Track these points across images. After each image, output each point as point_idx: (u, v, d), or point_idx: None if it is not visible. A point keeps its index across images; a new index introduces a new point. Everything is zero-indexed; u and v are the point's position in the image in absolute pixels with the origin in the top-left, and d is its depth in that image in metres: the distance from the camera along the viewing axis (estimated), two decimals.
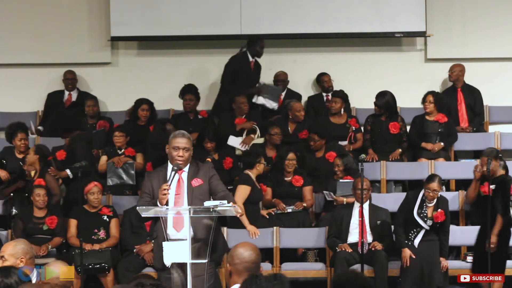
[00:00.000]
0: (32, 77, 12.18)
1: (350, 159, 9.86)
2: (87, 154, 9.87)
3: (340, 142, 10.72)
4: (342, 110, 11.04)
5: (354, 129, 10.90)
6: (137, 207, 6.68)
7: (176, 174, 6.81)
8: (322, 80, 11.91)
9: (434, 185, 8.91)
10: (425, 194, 9.00)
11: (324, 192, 9.76)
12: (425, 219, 8.93)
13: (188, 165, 6.91)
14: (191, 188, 6.81)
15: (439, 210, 8.96)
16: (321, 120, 11.01)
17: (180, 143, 6.81)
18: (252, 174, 9.58)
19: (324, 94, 11.90)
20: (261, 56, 11.37)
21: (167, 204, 6.72)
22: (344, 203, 9.45)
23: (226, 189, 7.03)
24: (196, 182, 6.83)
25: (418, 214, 8.97)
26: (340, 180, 9.66)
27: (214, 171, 7.03)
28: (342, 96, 11.08)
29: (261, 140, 10.75)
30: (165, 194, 6.63)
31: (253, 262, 4.67)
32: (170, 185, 6.67)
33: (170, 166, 6.87)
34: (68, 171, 9.82)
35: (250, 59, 11.31)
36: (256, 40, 11.33)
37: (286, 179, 9.89)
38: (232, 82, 11.24)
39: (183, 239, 6.58)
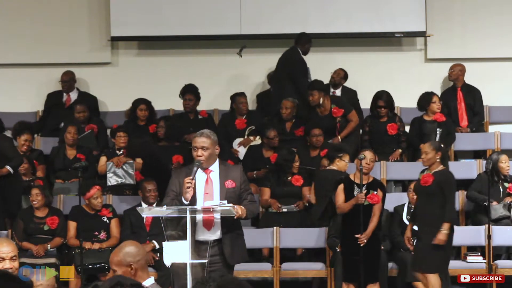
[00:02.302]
0: (32, 77, 12.17)
1: None
2: (14, 152, 9.75)
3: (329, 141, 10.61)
4: (322, 100, 10.66)
5: (339, 119, 10.73)
6: (138, 208, 6.64)
7: (204, 173, 6.72)
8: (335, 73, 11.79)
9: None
10: (408, 197, 9.16)
11: None
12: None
13: (217, 165, 6.78)
14: (224, 189, 6.71)
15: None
16: (312, 115, 10.81)
17: (197, 143, 6.70)
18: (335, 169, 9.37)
19: (332, 90, 11.79)
20: (306, 55, 11.30)
21: (194, 201, 6.63)
22: None
23: (253, 197, 6.90)
24: (230, 184, 6.72)
25: (408, 220, 9.04)
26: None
27: (245, 176, 6.96)
28: (318, 88, 10.72)
29: (258, 142, 10.75)
30: (188, 187, 6.54)
31: (145, 254, 5.21)
32: (193, 179, 6.58)
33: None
34: (8, 167, 9.62)
35: (301, 54, 11.27)
36: (306, 37, 11.26)
37: (286, 178, 9.89)
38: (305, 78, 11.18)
39: (211, 239, 6.61)
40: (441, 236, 8.19)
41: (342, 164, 9.40)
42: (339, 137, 10.63)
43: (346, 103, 10.90)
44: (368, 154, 8.45)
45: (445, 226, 8.19)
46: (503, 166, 9.67)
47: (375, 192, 8.39)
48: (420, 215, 8.40)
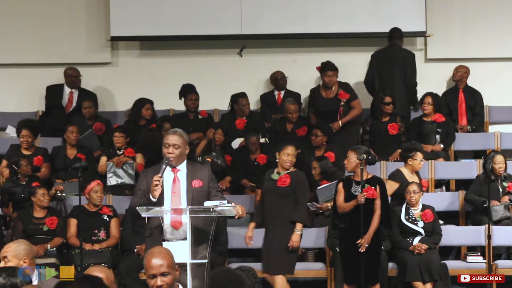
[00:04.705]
0: (32, 77, 12.17)
1: (328, 163, 9.87)
2: None
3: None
4: (334, 87, 10.75)
5: (344, 102, 10.73)
6: (136, 206, 6.69)
7: (171, 172, 6.80)
8: None
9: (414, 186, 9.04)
10: (406, 198, 9.11)
11: (307, 204, 9.71)
12: (415, 222, 9.02)
13: (185, 164, 6.88)
14: (191, 189, 6.80)
15: (426, 209, 9.05)
16: (314, 95, 10.86)
17: (170, 140, 6.81)
18: (405, 170, 9.29)
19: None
20: None
21: (161, 200, 6.70)
22: (329, 208, 9.39)
23: (223, 195, 6.98)
24: (197, 183, 6.81)
25: (407, 220, 9.03)
26: (318, 188, 9.61)
27: (213, 175, 7.02)
28: (333, 68, 10.76)
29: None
30: (156, 185, 6.61)
31: None
32: (161, 176, 6.66)
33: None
34: None
35: None
36: (400, 31, 11.35)
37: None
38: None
39: (180, 239, 6.61)
40: (295, 237, 8.32)
41: (415, 163, 9.35)
42: (340, 121, 10.63)
43: (353, 90, 10.92)
44: (290, 150, 8.45)
45: (299, 227, 8.34)
46: (496, 167, 9.64)
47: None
48: (273, 216, 8.42)
